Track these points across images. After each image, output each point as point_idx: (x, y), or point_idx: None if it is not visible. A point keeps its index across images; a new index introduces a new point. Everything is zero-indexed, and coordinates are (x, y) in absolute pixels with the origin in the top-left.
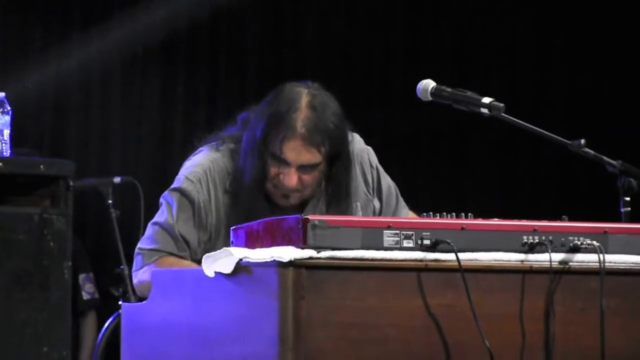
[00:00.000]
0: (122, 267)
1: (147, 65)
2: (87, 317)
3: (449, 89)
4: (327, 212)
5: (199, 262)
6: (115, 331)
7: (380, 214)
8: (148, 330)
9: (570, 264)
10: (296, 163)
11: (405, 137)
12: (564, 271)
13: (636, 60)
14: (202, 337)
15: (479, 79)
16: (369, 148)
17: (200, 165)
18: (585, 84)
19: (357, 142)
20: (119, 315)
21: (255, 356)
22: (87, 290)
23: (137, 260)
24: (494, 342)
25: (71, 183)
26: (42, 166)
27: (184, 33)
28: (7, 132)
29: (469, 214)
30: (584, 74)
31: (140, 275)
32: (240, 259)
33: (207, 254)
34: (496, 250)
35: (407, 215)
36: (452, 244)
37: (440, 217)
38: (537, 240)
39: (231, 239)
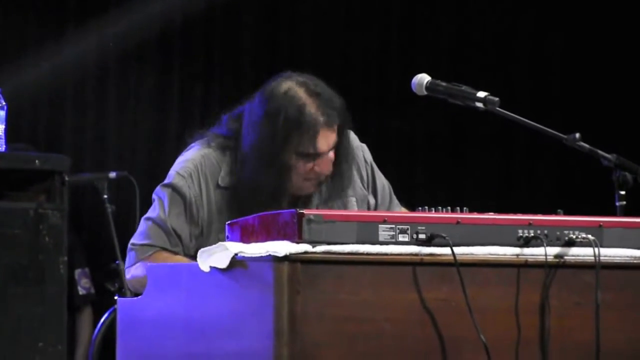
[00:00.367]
0: (117, 262)
1: (142, 60)
2: (83, 312)
3: (443, 83)
4: (330, 204)
5: (191, 257)
6: (111, 326)
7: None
8: (144, 325)
9: (566, 257)
10: (328, 149)
11: (401, 133)
12: (559, 265)
13: (632, 54)
14: (198, 332)
15: (475, 74)
16: (364, 145)
17: (192, 160)
18: (581, 78)
19: (352, 140)
20: (114, 310)
21: (251, 350)
22: (83, 285)
23: (130, 256)
24: (489, 336)
25: (66, 178)
26: (37, 161)
27: (179, 28)
28: (2, 127)
29: (464, 208)
30: (580, 68)
31: (134, 270)
32: (236, 254)
33: (202, 249)
34: (491, 244)
35: None
36: (447, 238)
37: (436, 211)
38: (532, 234)
39: (226, 233)
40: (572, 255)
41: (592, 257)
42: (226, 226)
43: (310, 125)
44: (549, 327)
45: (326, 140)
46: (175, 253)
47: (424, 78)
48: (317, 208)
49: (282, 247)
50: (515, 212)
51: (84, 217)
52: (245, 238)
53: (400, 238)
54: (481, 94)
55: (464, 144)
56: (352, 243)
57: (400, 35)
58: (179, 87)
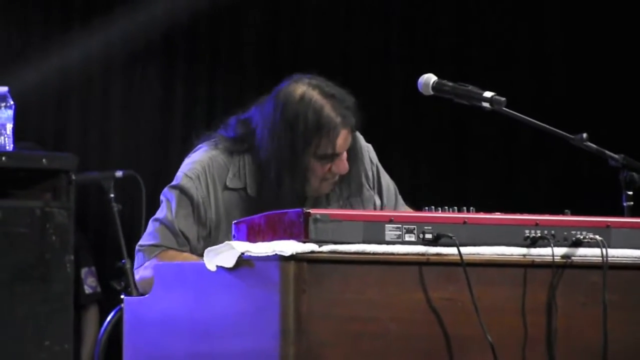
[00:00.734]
0: (124, 261)
1: (148, 59)
2: (89, 311)
3: (450, 83)
4: (350, 201)
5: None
6: (117, 325)
7: None
8: (150, 324)
9: (573, 258)
10: (345, 149)
11: (406, 132)
12: (566, 265)
13: (636, 52)
14: (204, 331)
15: (479, 74)
16: (369, 145)
17: (199, 162)
18: (585, 77)
19: (358, 139)
20: (120, 309)
21: (257, 350)
22: (89, 284)
23: (138, 257)
24: (495, 336)
25: (73, 177)
26: (44, 160)
27: (184, 28)
28: (9, 126)
29: (471, 208)
30: (583, 67)
31: (142, 271)
32: (242, 253)
33: (208, 248)
34: (498, 244)
35: None
36: (454, 238)
37: (442, 211)
38: (539, 235)
39: (233, 232)
40: (579, 256)
41: (600, 258)
42: (233, 225)
43: (329, 127)
44: (555, 327)
45: (344, 140)
46: (183, 252)
47: (430, 78)
48: (336, 205)
49: (289, 247)
50: (520, 212)
51: (90, 215)
52: (252, 237)
53: (407, 238)
54: (488, 94)
55: (469, 143)
56: (359, 242)
57: (401, 34)
58: (184, 86)
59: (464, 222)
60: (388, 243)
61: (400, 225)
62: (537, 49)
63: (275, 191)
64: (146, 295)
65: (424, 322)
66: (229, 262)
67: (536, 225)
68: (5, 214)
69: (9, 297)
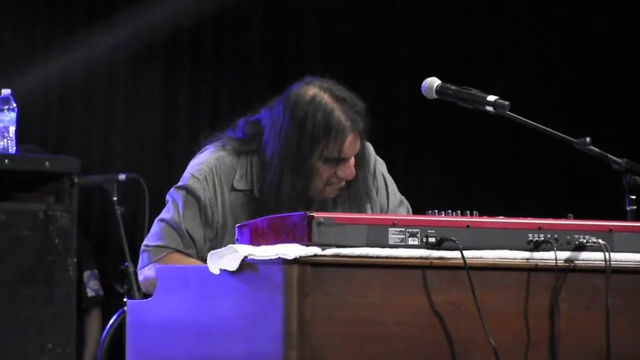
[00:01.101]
0: (126, 264)
1: (151, 62)
2: (92, 314)
3: (453, 87)
4: (357, 206)
5: (204, 260)
6: (120, 328)
7: None
8: (153, 328)
9: (576, 262)
10: (353, 154)
11: (409, 136)
12: (569, 269)
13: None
14: (207, 334)
15: (482, 77)
16: (378, 158)
17: (206, 163)
18: (589, 81)
19: (367, 148)
20: (123, 312)
21: (260, 353)
22: (92, 287)
23: (142, 257)
24: (498, 340)
25: (76, 180)
26: (47, 163)
27: (188, 31)
28: (12, 129)
29: (474, 211)
30: (586, 71)
31: (146, 272)
32: (245, 256)
33: (212, 251)
34: (501, 248)
35: None
36: (457, 241)
37: (446, 214)
38: (542, 238)
39: (236, 236)
40: (583, 260)
41: (603, 262)
42: (236, 229)
43: (338, 130)
44: (558, 331)
45: (352, 145)
46: (189, 255)
47: (433, 82)
48: (343, 210)
49: (292, 250)
50: (524, 216)
51: (93, 219)
52: (255, 240)
53: (410, 241)
54: (491, 98)
55: (473, 147)
56: (362, 246)
57: (405, 36)
58: (188, 89)
59: (467, 226)
60: (391, 247)
61: (403, 229)
62: (540, 52)
63: (275, 190)
64: (149, 299)
65: (428, 325)
66: (232, 266)
67: (539, 229)
68: (8, 217)
69: (12, 300)
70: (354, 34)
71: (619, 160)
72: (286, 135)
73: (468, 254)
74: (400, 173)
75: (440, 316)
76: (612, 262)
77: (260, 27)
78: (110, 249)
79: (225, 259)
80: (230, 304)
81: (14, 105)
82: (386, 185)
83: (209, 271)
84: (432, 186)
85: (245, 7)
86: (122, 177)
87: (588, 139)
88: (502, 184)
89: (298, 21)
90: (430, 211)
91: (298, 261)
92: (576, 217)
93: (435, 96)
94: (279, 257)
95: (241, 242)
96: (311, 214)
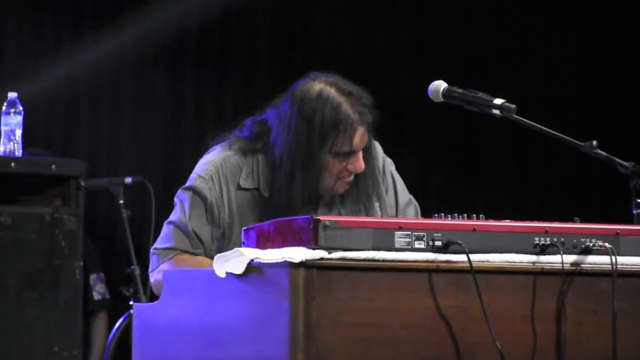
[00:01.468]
0: (133, 267)
1: (157, 65)
2: (98, 317)
3: (460, 90)
4: (365, 203)
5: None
6: (126, 331)
7: None
8: (159, 331)
9: (582, 265)
10: (362, 146)
11: (415, 139)
12: (575, 273)
13: None
14: (213, 338)
15: (489, 80)
16: (387, 157)
17: (213, 162)
18: (596, 84)
19: (376, 146)
20: (129, 316)
21: (266, 356)
22: (98, 290)
23: (152, 260)
24: (505, 344)
25: (82, 183)
26: (53, 166)
27: (194, 33)
28: (19, 132)
29: (481, 215)
30: (595, 74)
31: (156, 274)
32: (252, 260)
33: (218, 255)
34: (508, 251)
35: None
36: (463, 245)
37: (452, 218)
38: (548, 242)
39: (242, 239)
40: (589, 263)
41: (609, 265)
42: (242, 232)
43: (347, 124)
44: (565, 334)
45: (361, 137)
46: (196, 255)
47: (440, 85)
48: (352, 207)
49: (298, 253)
50: (530, 219)
51: (99, 222)
52: (261, 244)
53: (417, 245)
54: (498, 101)
55: (479, 150)
56: (368, 249)
57: (411, 38)
58: (194, 91)
59: (474, 230)
60: (398, 250)
61: (409, 232)
62: (547, 55)
63: (287, 187)
64: (155, 302)
65: (434, 329)
66: (239, 269)
67: (546, 232)
68: (15, 220)
69: (18, 303)
70: (360, 37)
71: (625, 163)
72: (295, 132)
73: (474, 257)
74: (406, 176)
75: (447, 320)
76: (618, 266)
77: (266, 29)
78: (116, 252)
79: (231, 262)
80: (237, 308)
81: (21, 108)
82: (395, 184)
83: (215, 274)
84: (437, 189)
85: (251, 9)
86: (128, 180)
87: (594, 143)
88: (508, 187)
89: (304, 24)
90: (436, 214)
91: (304, 265)
92: (582, 221)
93: (442, 99)
94: (285, 261)
95: (247, 245)
96: (317, 218)
